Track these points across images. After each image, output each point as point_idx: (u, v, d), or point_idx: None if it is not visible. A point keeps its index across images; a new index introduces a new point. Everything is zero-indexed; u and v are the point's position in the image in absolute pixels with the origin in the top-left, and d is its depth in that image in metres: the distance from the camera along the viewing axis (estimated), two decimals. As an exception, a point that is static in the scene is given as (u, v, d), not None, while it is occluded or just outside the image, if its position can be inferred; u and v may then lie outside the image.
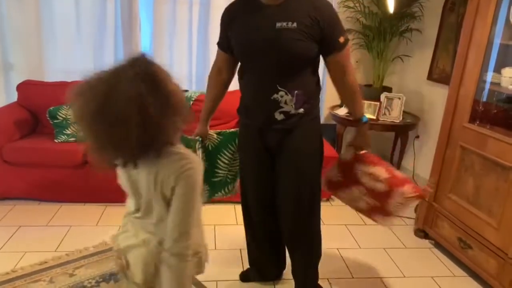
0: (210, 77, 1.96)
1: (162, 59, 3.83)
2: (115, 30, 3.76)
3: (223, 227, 2.78)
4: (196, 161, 1.16)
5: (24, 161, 2.86)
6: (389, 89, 3.70)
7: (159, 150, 1.10)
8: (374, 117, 3.45)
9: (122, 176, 1.25)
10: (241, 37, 1.72)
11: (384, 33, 3.49)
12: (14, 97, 3.46)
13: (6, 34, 3.64)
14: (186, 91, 3.47)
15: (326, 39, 1.64)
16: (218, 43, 1.88)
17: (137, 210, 1.27)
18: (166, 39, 3.83)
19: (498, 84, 2.31)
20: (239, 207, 3.02)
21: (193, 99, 3.37)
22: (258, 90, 1.73)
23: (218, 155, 2.05)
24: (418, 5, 3.47)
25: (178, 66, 3.93)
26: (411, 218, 2.98)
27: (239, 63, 1.83)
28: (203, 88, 3.87)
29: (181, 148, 1.16)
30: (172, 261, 1.15)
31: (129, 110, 0.99)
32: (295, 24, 1.60)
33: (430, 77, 3.53)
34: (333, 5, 1.75)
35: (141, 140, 1.03)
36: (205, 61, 3.92)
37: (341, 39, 1.67)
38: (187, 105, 1.08)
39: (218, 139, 2.04)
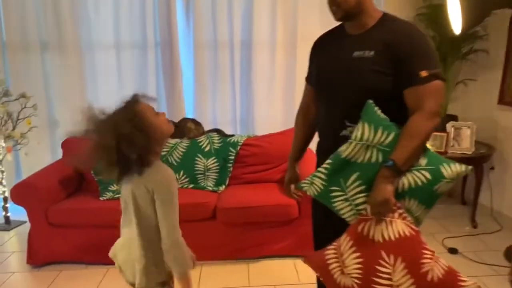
0: (297, 114, 1.82)
1: (205, 104, 3.74)
2: (156, 78, 3.71)
3: (284, 287, 2.46)
4: (167, 174, 1.41)
5: (69, 222, 2.72)
6: (454, 118, 3.34)
7: (138, 169, 1.38)
8: (442, 150, 3.08)
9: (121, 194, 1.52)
10: (318, 67, 1.63)
11: (445, 57, 3.19)
12: (60, 153, 3.41)
13: (51, 91, 3.67)
14: (232, 135, 3.28)
15: (402, 70, 1.41)
16: (306, 78, 1.77)
17: (124, 221, 1.53)
18: (208, 84, 3.73)
19: None
20: (299, 262, 2.73)
21: (240, 143, 3.17)
22: (326, 126, 1.60)
23: (330, 198, 1.52)
24: (481, 24, 3.16)
25: (222, 110, 3.80)
26: (504, 266, 2.54)
27: None
28: (248, 132, 3.73)
29: (158, 163, 1.42)
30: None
31: (114, 141, 1.31)
32: (372, 53, 1.43)
33: (501, 101, 3.16)
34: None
35: (124, 161, 1.33)
36: (249, 104, 3.77)
37: (423, 73, 1.39)
38: (167, 133, 1.45)
39: (321, 185, 1.52)
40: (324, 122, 1.61)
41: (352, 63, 1.47)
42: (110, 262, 1.53)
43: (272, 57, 3.67)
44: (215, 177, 3.11)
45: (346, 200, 1.47)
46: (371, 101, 1.43)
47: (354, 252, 1.43)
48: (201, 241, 2.75)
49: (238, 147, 3.16)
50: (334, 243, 1.50)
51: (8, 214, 3.47)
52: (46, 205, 2.71)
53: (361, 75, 1.45)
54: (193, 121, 3.30)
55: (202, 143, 3.18)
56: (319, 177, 1.50)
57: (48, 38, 3.55)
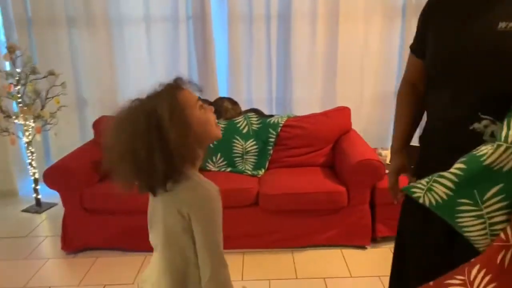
0: (400, 93, 1.49)
1: (239, 82, 3.52)
2: (188, 54, 3.51)
3: (335, 280, 2.30)
4: (206, 190, 1.09)
5: (105, 207, 2.59)
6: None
7: (175, 178, 1.05)
8: None
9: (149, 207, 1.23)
10: (439, 38, 1.24)
11: None
12: (89, 133, 3.29)
13: (80, 68, 3.52)
14: (272, 116, 3.08)
15: None
16: (412, 46, 1.40)
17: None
18: (243, 60, 3.50)
19: None
20: (347, 252, 2.56)
21: (281, 124, 2.96)
22: (449, 114, 1.23)
23: (455, 212, 1.19)
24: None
25: (257, 88, 3.58)
26: None
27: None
28: (287, 111, 3.50)
29: (197, 177, 1.10)
30: None
31: (148, 138, 1.00)
32: None
33: None
34: None
35: (158, 168, 1.01)
36: (286, 82, 3.53)
37: None
38: (213, 135, 1.13)
39: (445, 195, 1.15)
40: (445, 109, 1.25)
41: (496, 37, 1.12)
42: (149, 249, 1.26)
43: (313, 31, 3.40)
44: (254, 161, 2.93)
45: (479, 217, 1.13)
46: None
47: None
48: (242, 228, 2.60)
49: (279, 129, 2.95)
50: (459, 276, 1.14)
51: (39, 196, 3.38)
52: (81, 189, 2.59)
53: (510, 54, 1.10)
54: (230, 100, 3.10)
55: (240, 124, 2.99)
56: (444, 185, 1.14)
57: (75, 12, 3.36)
